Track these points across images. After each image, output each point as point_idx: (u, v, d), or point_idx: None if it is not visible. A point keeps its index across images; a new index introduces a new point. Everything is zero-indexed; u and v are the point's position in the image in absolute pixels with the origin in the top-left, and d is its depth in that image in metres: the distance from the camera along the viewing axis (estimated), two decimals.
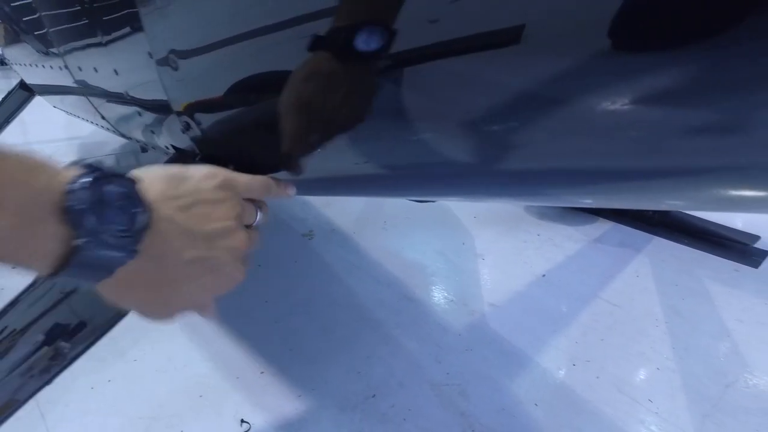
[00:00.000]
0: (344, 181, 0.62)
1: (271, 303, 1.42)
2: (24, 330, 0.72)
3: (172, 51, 0.58)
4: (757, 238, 1.69)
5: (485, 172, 0.49)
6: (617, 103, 0.32)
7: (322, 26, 0.40)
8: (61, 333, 0.70)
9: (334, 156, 0.52)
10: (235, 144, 0.60)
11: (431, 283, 1.52)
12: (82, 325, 0.71)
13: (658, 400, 1.10)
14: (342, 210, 2.01)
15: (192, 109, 0.60)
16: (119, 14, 0.67)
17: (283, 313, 1.37)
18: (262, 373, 1.15)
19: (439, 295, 1.46)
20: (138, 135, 0.94)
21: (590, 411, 1.07)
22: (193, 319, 1.35)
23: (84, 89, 1.01)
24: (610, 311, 1.41)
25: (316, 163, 0.52)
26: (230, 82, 0.54)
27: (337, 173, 0.58)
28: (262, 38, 0.47)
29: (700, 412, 1.06)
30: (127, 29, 0.66)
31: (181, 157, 0.67)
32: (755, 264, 1.57)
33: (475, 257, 1.67)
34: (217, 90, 0.57)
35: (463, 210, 2.02)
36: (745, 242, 1.67)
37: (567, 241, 1.82)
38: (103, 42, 0.74)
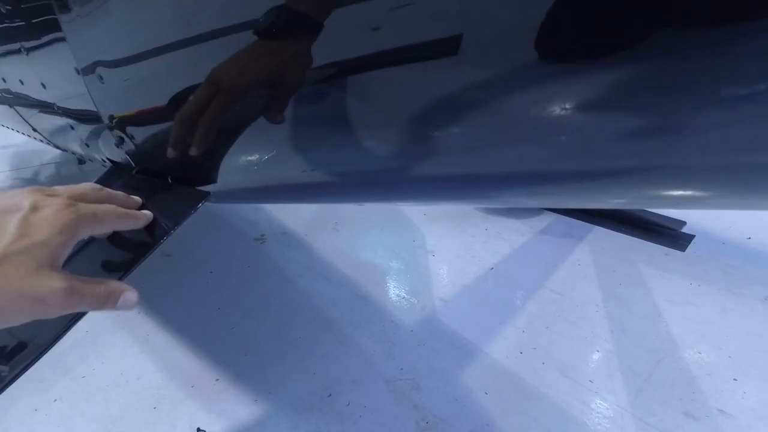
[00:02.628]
0: (288, 188, 0.63)
1: (224, 309, 1.41)
2: None
3: (98, 62, 0.58)
4: (683, 223, 1.82)
5: (427, 177, 0.52)
6: (551, 109, 0.35)
7: (249, 35, 0.41)
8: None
9: (272, 164, 0.53)
10: (179, 155, 0.60)
11: (383, 281, 1.56)
12: (21, 346, 0.69)
13: (597, 380, 1.17)
14: (294, 213, 2.01)
15: (124, 123, 0.60)
16: (39, 22, 0.65)
17: (237, 319, 1.37)
18: (217, 380, 1.15)
19: (391, 293, 1.50)
20: (74, 148, 0.92)
21: (536, 396, 1.13)
22: (145, 329, 1.33)
23: (11, 100, 0.97)
24: (554, 299, 1.49)
25: (251, 172, 0.53)
26: (161, 93, 0.54)
27: (280, 181, 0.59)
28: (191, 48, 0.48)
29: (635, 387, 1.15)
30: (49, 39, 0.64)
31: (117, 170, 0.67)
32: (682, 247, 1.69)
33: (426, 254, 1.72)
34: (147, 102, 0.56)
35: (413, 208, 2.07)
36: (673, 228, 1.79)
37: (514, 234, 1.89)
38: (26, 52, 0.72)
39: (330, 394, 1.11)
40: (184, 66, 0.50)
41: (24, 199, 0.36)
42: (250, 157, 0.51)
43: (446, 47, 0.35)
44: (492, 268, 1.65)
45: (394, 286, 1.54)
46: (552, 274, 1.62)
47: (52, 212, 0.36)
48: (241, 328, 1.34)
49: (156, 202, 0.55)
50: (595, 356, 1.26)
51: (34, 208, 0.35)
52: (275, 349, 1.25)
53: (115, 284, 0.39)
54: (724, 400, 1.11)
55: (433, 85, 0.38)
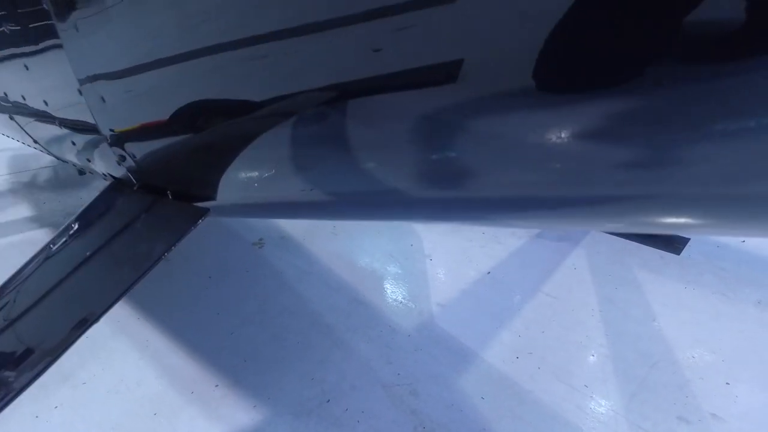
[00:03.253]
0: (287, 206, 0.64)
1: (224, 315, 1.43)
2: None
3: (98, 75, 0.58)
4: None
5: (424, 200, 0.52)
6: (547, 138, 0.36)
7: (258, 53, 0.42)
8: (5, 362, 0.67)
9: (271, 182, 0.54)
10: (172, 173, 0.61)
11: (381, 285, 1.57)
12: (28, 352, 0.68)
13: (592, 384, 1.19)
14: None
15: (124, 138, 0.61)
16: (36, 29, 0.65)
17: (236, 324, 1.38)
18: (216, 386, 1.16)
19: (388, 297, 1.51)
20: (74, 160, 0.93)
21: (532, 400, 1.14)
22: (145, 334, 1.34)
23: (10, 110, 0.98)
24: (550, 304, 1.50)
25: (250, 189, 0.54)
26: (162, 108, 0.54)
27: (279, 198, 0.61)
28: (195, 62, 0.48)
29: (629, 392, 1.16)
30: (47, 47, 0.64)
31: (118, 186, 0.68)
32: (677, 251, 1.71)
33: (423, 258, 1.73)
34: (148, 116, 0.57)
35: None
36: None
37: (510, 238, 1.91)
38: (25, 62, 0.73)
39: (328, 400, 1.12)
40: (186, 80, 0.50)
41: None
42: (249, 175, 0.52)
43: (447, 73, 0.36)
44: (489, 272, 1.66)
45: (392, 291, 1.55)
46: (548, 278, 1.64)
47: None
48: (240, 333, 1.35)
49: (156, 218, 0.56)
50: (590, 360, 1.27)
51: None
52: (274, 355, 1.27)
53: None
54: (716, 404, 1.13)
55: (432, 109, 0.39)
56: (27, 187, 2.39)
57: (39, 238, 1.83)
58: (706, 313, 1.45)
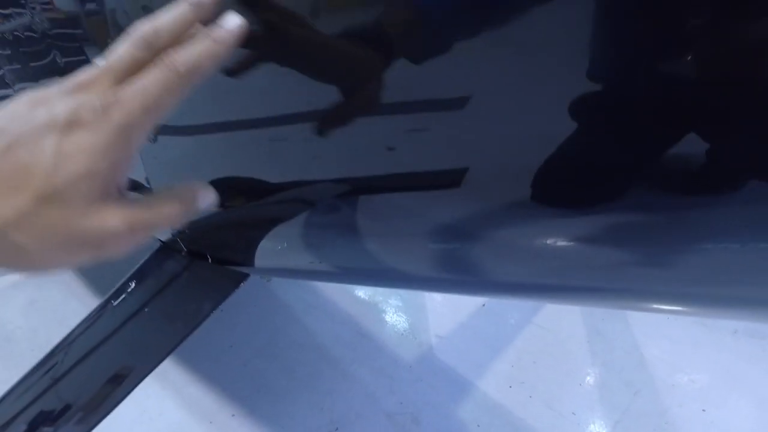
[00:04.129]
0: (308, 273, 0.72)
1: (237, 347, 1.53)
2: (7, 425, 0.69)
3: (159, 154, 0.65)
4: None
5: (432, 279, 0.58)
6: (543, 240, 0.40)
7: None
8: (45, 420, 0.69)
9: (292, 254, 0.62)
10: (216, 241, 0.71)
11: (383, 318, 1.68)
12: (66, 408, 0.70)
13: (579, 412, 1.29)
14: None
15: None
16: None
17: (249, 356, 1.48)
18: (233, 415, 1.26)
19: (390, 330, 1.62)
20: None
21: (524, 427, 1.24)
22: (163, 365, 1.43)
23: None
24: (541, 335, 1.61)
25: (282, 258, 0.64)
26: (217, 175, 0.55)
27: (299, 267, 0.68)
28: (261, 129, 0.50)
29: (613, 419, 1.26)
30: None
31: (166, 249, 0.77)
32: None
33: (422, 292, 1.84)
34: (202, 177, 0.56)
35: None
36: None
37: None
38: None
39: (337, 428, 1.22)
40: (228, 158, 0.54)
41: (59, 110, 0.26)
42: (280, 248, 0.62)
43: (452, 177, 0.40)
44: (484, 305, 1.77)
45: (393, 323, 1.66)
46: (539, 311, 1.75)
47: (90, 128, 0.26)
48: (252, 365, 1.45)
49: (202, 280, 0.67)
50: (578, 389, 1.38)
51: (69, 125, 0.26)
52: (285, 386, 1.37)
53: (182, 192, 0.32)
54: (693, 430, 1.23)
55: (438, 209, 0.44)
56: None
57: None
58: (685, 342, 1.56)
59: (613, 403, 1.32)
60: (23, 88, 0.96)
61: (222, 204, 0.64)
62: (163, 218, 0.30)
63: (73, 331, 0.71)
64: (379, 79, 0.38)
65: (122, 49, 0.28)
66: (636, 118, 0.33)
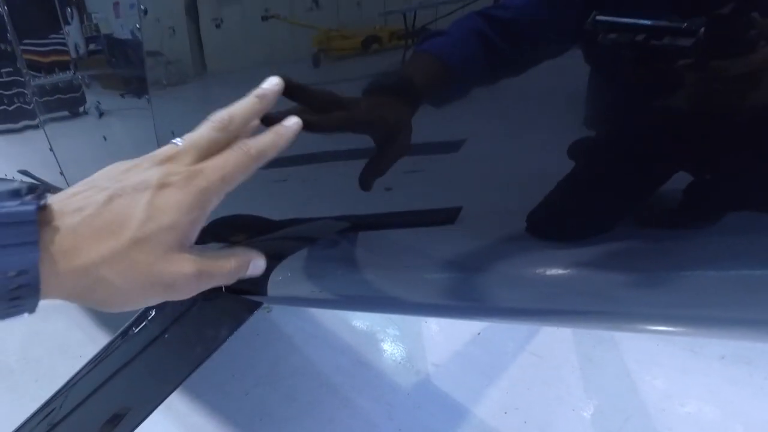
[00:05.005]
0: (317, 301, 0.78)
1: (238, 376, 1.56)
2: None
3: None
4: None
5: (436, 306, 0.63)
6: (538, 272, 0.44)
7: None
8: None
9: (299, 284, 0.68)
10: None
11: (381, 347, 1.72)
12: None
13: None
14: None
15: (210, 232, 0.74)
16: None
17: (251, 385, 1.52)
18: None
19: (388, 358, 1.66)
20: None
21: None
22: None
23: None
24: (535, 362, 1.65)
25: (291, 288, 0.70)
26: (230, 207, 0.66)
27: (305, 296, 0.74)
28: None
29: None
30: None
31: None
32: None
33: (419, 320, 1.89)
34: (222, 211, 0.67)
35: None
36: None
37: None
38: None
39: None
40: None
41: (151, 174, 0.33)
42: (288, 278, 0.68)
43: (446, 215, 0.45)
44: (479, 333, 1.81)
45: (392, 352, 1.70)
46: (532, 338, 1.79)
47: (178, 189, 0.33)
48: (254, 393, 1.48)
49: (218, 309, 0.73)
50: (571, 415, 1.42)
51: (161, 186, 0.32)
52: (286, 414, 1.40)
53: (241, 256, 0.38)
54: None
55: (435, 239, 0.49)
56: None
57: None
58: (675, 368, 1.61)
59: (606, 428, 1.36)
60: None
61: (235, 239, 0.71)
62: (224, 272, 0.37)
63: (99, 353, 0.75)
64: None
65: (202, 130, 0.35)
66: (622, 162, 0.39)
